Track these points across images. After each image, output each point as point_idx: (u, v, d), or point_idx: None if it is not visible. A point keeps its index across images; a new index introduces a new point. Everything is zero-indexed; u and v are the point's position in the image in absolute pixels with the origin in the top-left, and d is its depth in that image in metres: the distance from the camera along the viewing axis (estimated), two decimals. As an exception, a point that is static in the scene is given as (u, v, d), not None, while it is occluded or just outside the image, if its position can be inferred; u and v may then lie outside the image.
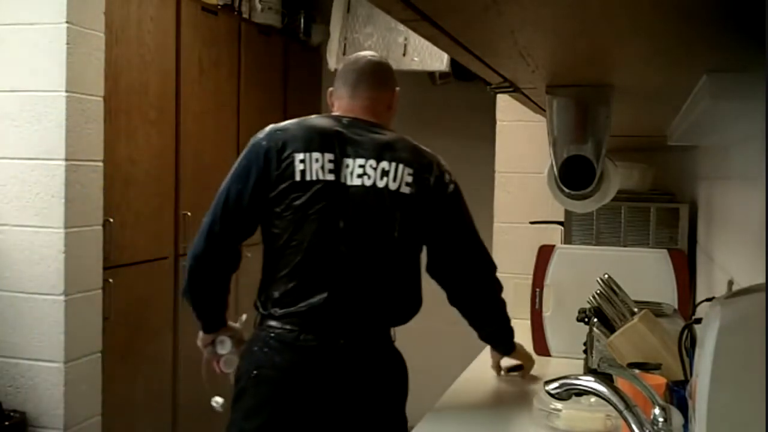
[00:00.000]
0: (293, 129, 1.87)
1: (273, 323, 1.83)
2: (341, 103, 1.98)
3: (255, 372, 1.81)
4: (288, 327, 1.81)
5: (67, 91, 2.50)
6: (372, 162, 1.85)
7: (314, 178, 1.81)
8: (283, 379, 1.80)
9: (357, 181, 1.83)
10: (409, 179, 1.86)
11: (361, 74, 1.98)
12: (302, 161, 1.81)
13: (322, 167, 1.81)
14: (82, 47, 2.55)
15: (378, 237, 1.85)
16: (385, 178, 1.84)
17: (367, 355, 1.86)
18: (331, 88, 2.04)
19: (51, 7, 2.49)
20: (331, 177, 1.82)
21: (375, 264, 1.85)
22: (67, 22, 2.49)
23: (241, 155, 1.89)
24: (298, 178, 1.81)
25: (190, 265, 1.88)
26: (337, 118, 1.92)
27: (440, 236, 1.93)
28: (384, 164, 1.85)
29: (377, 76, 2.01)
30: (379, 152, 1.86)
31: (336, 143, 1.85)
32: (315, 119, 1.93)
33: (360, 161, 1.84)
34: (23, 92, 2.53)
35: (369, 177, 1.84)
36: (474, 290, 2.01)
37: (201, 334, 1.97)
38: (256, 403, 1.82)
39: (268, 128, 1.90)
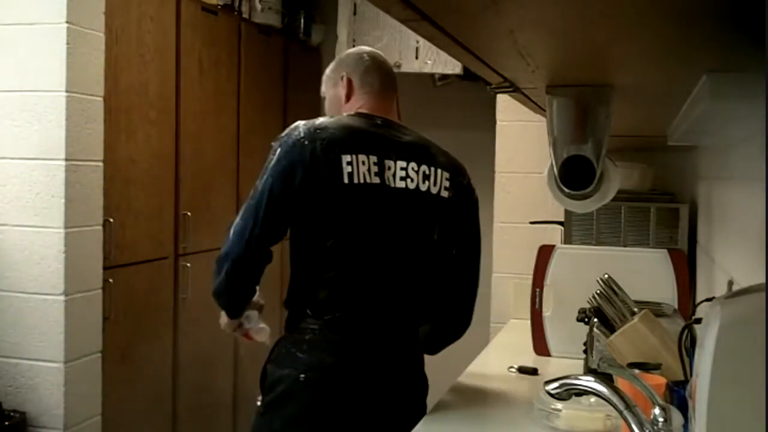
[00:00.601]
0: (333, 128, 1.81)
1: (315, 326, 1.78)
2: (368, 98, 1.95)
3: (303, 376, 1.75)
4: (334, 328, 1.78)
5: (67, 91, 2.50)
6: (413, 164, 1.85)
7: (361, 180, 1.78)
8: (333, 382, 1.76)
9: (401, 184, 1.83)
10: (447, 183, 1.89)
11: (389, 74, 2.01)
12: (349, 163, 1.77)
13: (369, 170, 1.79)
14: (82, 47, 2.55)
15: (419, 240, 1.86)
16: (426, 182, 1.86)
17: (408, 356, 1.87)
18: (344, 74, 1.98)
19: (51, 7, 2.49)
20: (376, 180, 1.80)
21: (417, 267, 1.87)
22: (67, 22, 2.49)
23: (279, 153, 1.78)
24: (345, 180, 1.76)
25: (227, 269, 1.78)
26: (370, 118, 1.90)
27: (462, 241, 1.94)
28: (424, 167, 1.86)
29: (395, 80, 2.04)
30: (418, 155, 1.87)
31: (378, 145, 1.83)
32: (348, 119, 1.88)
33: (402, 163, 1.84)
34: (23, 92, 2.53)
35: (412, 180, 1.84)
36: (452, 303, 1.97)
37: (226, 319, 1.92)
38: (305, 408, 1.76)
39: (303, 125, 1.80)
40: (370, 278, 1.82)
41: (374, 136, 1.84)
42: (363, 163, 1.79)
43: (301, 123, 1.83)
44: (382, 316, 1.83)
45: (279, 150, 1.78)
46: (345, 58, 2.04)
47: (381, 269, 1.83)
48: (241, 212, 1.80)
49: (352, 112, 1.92)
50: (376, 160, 1.81)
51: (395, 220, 1.83)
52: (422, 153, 1.89)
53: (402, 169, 1.84)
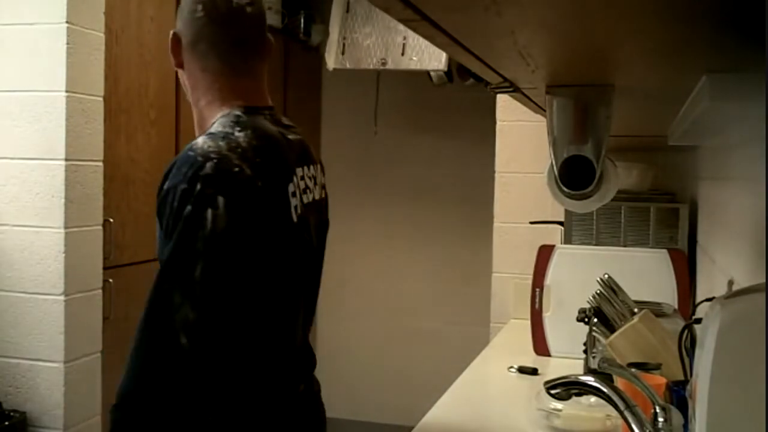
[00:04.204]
0: (262, 144, 1.36)
1: None
2: (222, 76, 1.40)
3: None
4: None
5: (67, 91, 2.50)
6: (305, 169, 1.47)
7: (299, 212, 1.45)
8: None
9: (306, 198, 1.46)
10: (323, 180, 1.56)
11: (254, 28, 1.43)
12: (293, 194, 1.44)
13: (302, 193, 1.47)
14: (82, 47, 2.55)
15: (319, 261, 1.59)
16: (317, 187, 1.52)
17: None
18: (172, 33, 1.45)
19: (51, 7, 2.49)
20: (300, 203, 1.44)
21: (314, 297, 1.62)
22: (67, 22, 2.49)
23: (224, 206, 1.30)
24: (294, 218, 1.44)
25: None
26: (257, 112, 1.42)
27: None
28: (313, 170, 1.51)
29: (263, 34, 1.45)
30: (305, 154, 1.50)
31: (289, 153, 1.45)
32: (251, 119, 1.38)
33: (299, 171, 1.44)
34: (23, 92, 2.53)
35: (310, 190, 1.47)
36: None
37: None
38: None
39: (223, 146, 1.29)
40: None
41: (285, 142, 1.40)
42: (297, 185, 1.39)
43: (207, 142, 1.27)
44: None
45: (222, 201, 1.22)
46: (182, 5, 1.47)
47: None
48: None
49: (238, 111, 1.35)
50: (296, 180, 1.40)
51: (315, 246, 1.50)
52: (306, 150, 1.49)
53: (302, 178, 1.42)
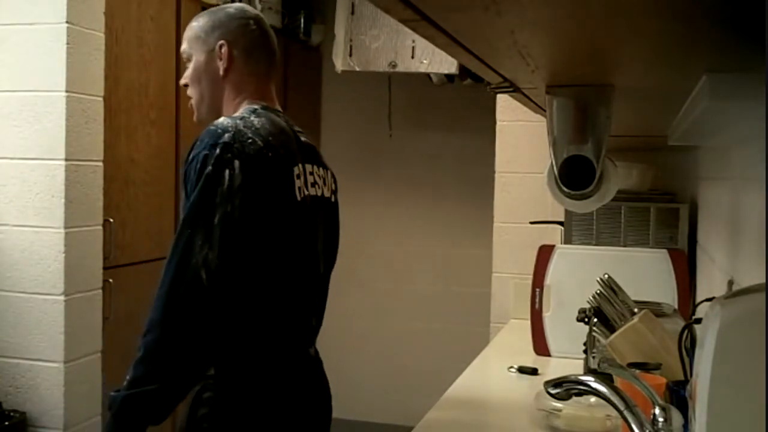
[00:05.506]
0: (274, 132, 1.61)
1: None
2: (257, 82, 1.67)
3: None
4: None
5: (67, 91, 2.50)
6: (314, 167, 1.67)
7: (303, 195, 1.65)
8: None
9: (312, 192, 1.64)
10: (333, 186, 1.75)
11: (275, 48, 1.72)
12: (298, 176, 1.65)
13: (305, 181, 1.67)
14: (82, 47, 2.55)
15: (330, 256, 1.79)
16: (325, 187, 1.71)
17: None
18: (223, 41, 1.64)
19: (51, 7, 2.49)
20: (307, 193, 1.65)
21: (325, 286, 1.85)
22: (67, 22, 2.49)
23: (240, 168, 1.55)
24: (298, 197, 1.65)
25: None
26: (276, 112, 1.66)
27: (335, 252, 1.82)
28: (322, 170, 1.70)
29: (277, 54, 1.75)
30: (314, 155, 1.70)
31: (297, 147, 1.65)
32: (269, 114, 1.62)
33: (309, 167, 1.64)
34: (23, 92, 2.53)
35: (319, 186, 1.67)
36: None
37: None
38: None
39: (240, 124, 1.55)
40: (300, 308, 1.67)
41: (294, 137, 1.63)
42: (303, 173, 1.60)
43: (227, 120, 1.52)
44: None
45: (237, 164, 1.45)
46: (224, 19, 1.66)
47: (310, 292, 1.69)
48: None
49: (257, 106, 1.62)
50: (302, 169, 1.61)
51: (319, 235, 1.68)
52: (315, 152, 1.69)
53: (310, 173, 1.63)
